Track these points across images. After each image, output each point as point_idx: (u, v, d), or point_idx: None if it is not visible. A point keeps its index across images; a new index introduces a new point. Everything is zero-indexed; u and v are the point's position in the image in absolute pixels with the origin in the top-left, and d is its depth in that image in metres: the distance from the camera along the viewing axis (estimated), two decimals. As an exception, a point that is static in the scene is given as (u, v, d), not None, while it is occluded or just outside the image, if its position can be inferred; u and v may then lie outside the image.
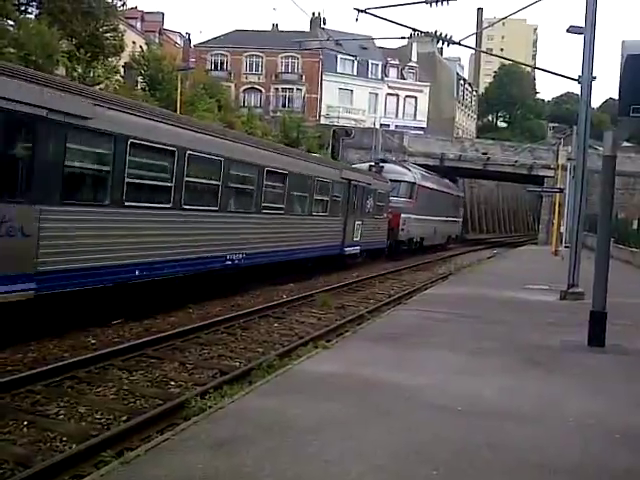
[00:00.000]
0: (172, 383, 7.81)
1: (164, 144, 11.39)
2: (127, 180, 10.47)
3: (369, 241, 24.04)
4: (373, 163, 29.06)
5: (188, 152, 12.03)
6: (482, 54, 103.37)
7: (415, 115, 67.81)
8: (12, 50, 25.13)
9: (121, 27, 35.48)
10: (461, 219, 46.12)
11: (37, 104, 8.48)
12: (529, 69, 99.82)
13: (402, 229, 28.15)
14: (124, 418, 6.40)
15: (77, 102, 9.22)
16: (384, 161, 30.49)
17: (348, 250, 21.81)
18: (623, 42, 8.57)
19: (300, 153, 22.44)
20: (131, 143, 10.43)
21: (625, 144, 55.58)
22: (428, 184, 32.92)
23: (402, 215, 27.97)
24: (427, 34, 19.26)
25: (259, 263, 15.76)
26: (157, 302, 12.13)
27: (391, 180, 27.52)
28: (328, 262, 20.65)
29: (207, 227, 13.12)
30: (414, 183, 30.23)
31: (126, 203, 10.48)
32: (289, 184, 16.89)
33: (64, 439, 5.81)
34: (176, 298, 12.68)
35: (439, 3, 15.42)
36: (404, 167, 31.79)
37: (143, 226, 11.06)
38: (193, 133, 12.48)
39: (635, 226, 29.54)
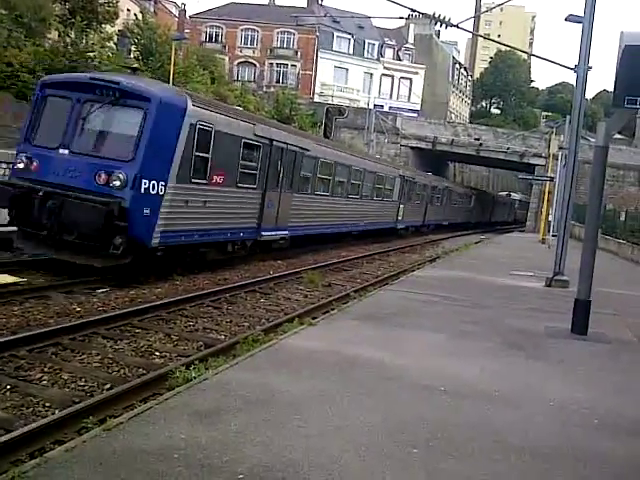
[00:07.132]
0: (156, 353, 7.81)
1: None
2: None
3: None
4: (506, 193, 72.09)
5: None
6: (479, 39, 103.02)
7: (409, 97, 67.51)
8: (3, 11, 24.67)
9: (116, -7, 34.82)
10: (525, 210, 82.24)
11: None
12: (525, 57, 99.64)
13: (514, 215, 70.09)
14: (107, 386, 6.41)
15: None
16: (510, 192, 73.13)
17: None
18: (622, 32, 8.52)
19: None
20: None
21: (616, 136, 55.68)
22: (519, 198, 72.28)
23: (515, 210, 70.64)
24: (425, 15, 19.13)
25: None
26: (143, 273, 12.09)
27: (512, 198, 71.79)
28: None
29: None
30: (515, 199, 71.88)
31: None
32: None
33: (47, 404, 5.81)
34: (163, 269, 12.65)
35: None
36: (514, 193, 73.61)
37: None
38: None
39: (623, 218, 29.72)
